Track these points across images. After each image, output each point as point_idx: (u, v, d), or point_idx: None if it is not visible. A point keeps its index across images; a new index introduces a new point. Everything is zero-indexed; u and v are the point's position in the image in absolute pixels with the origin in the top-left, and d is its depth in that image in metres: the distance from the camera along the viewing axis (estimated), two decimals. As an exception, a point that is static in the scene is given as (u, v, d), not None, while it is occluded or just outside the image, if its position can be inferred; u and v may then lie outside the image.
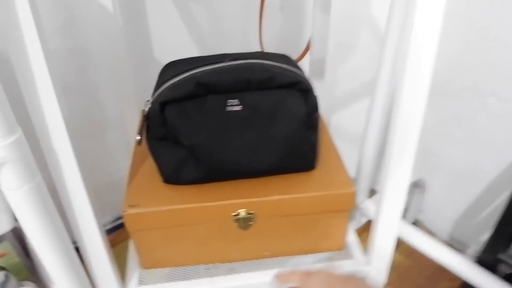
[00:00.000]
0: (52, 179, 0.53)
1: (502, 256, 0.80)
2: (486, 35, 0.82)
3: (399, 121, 0.55)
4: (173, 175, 0.62)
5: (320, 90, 0.61)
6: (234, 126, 0.58)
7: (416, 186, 1.06)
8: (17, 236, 0.83)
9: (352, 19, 1.02)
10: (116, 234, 1.16)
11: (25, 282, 0.85)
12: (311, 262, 0.69)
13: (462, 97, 0.91)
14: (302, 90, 0.58)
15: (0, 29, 0.43)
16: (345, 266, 0.69)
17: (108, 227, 1.18)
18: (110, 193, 0.88)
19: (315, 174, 0.64)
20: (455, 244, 1.07)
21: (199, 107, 0.57)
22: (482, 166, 0.94)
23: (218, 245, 0.66)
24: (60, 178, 0.53)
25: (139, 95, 0.83)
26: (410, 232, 0.89)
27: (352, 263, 0.70)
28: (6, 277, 0.80)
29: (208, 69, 0.58)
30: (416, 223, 1.13)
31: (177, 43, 0.98)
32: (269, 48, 0.86)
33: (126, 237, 0.63)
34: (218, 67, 0.58)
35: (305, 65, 0.78)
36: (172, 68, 0.62)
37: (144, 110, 0.59)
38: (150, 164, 0.65)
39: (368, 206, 0.92)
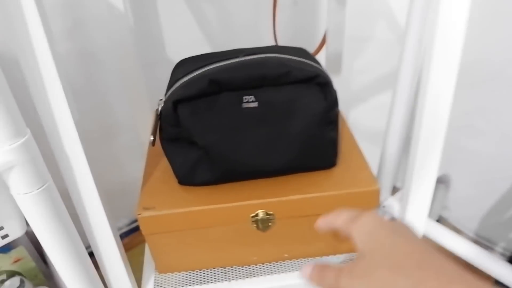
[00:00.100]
0: (65, 183, 0.52)
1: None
2: (512, 22, 0.79)
3: (425, 115, 0.52)
4: (187, 176, 0.60)
5: (336, 85, 0.58)
6: (249, 124, 0.56)
7: (440, 182, 1.02)
8: (33, 240, 0.82)
9: (368, 11, 0.99)
10: (132, 237, 1.16)
11: (41, 287, 0.84)
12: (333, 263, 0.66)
13: (487, 87, 0.87)
14: (321, 84, 0.56)
15: (8, 31, 0.42)
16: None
17: (124, 230, 1.18)
18: (125, 196, 0.87)
19: (336, 171, 0.62)
20: (482, 242, 1.03)
21: (213, 105, 0.55)
22: (509, 159, 0.90)
23: (236, 247, 0.64)
24: (73, 182, 0.51)
25: (150, 96, 0.82)
26: (435, 229, 0.85)
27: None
28: (22, 282, 0.79)
29: (221, 65, 0.56)
30: (440, 220, 1.10)
31: (188, 41, 0.96)
32: (282, 43, 0.84)
33: (142, 240, 0.62)
34: (232, 63, 0.56)
35: (320, 59, 0.75)
36: (184, 66, 0.61)
37: (157, 109, 0.57)
38: (164, 165, 0.63)
39: (392, 204, 0.89)
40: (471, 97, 0.91)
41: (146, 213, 0.57)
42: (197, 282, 0.64)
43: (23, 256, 0.82)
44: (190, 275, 0.65)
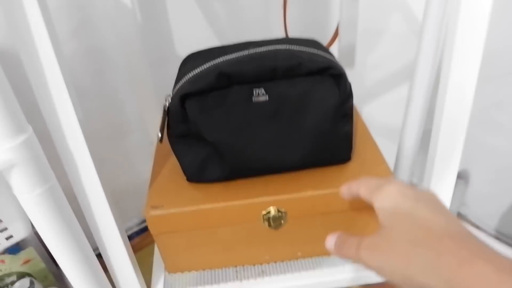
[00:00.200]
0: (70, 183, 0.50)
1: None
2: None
3: (446, 108, 0.50)
4: (197, 174, 0.59)
5: (349, 80, 0.55)
6: (260, 119, 0.54)
7: (459, 178, 0.98)
8: (42, 241, 0.81)
9: (383, 2, 0.96)
10: (142, 237, 1.15)
11: (51, 289, 0.83)
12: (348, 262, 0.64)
13: (507, 81, 0.84)
14: (335, 76, 0.53)
15: (10, 27, 0.40)
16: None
17: (135, 229, 1.17)
18: (135, 196, 0.85)
19: (351, 166, 0.59)
20: (502, 238, 0.99)
21: (222, 100, 0.53)
22: (530, 154, 0.87)
23: (247, 246, 0.62)
24: (78, 181, 0.50)
25: (159, 94, 0.81)
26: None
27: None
28: (31, 283, 0.78)
29: (230, 58, 0.54)
30: (458, 217, 1.06)
31: (197, 37, 0.95)
32: (293, 36, 0.81)
33: (152, 240, 0.60)
34: (241, 55, 0.54)
35: (333, 53, 0.73)
36: (192, 60, 0.59)
37: (164, 105, 0.55)
38: (173, 163, 0.62)
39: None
40: (490, 91, 0.87)
41: (154, 212, 0.56)
42: (207, 282, 0.63)
43: (32, 257, 0.81)
44: (200, 275, 0.64)
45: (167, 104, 0.55)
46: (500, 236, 1.00)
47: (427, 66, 0.61)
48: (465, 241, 0.32)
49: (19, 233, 0.56)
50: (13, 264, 0.80)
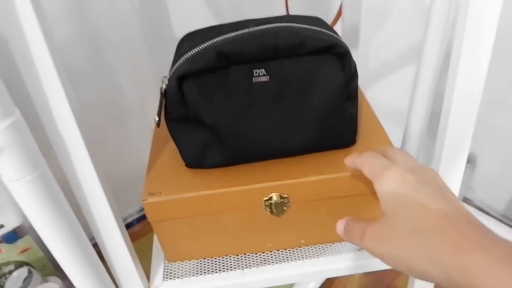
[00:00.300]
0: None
1: None
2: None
3: (456, 92, 0.47)
4: (196, 159, 0.56)
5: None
6: (261, 101, 0.52)
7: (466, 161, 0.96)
8: (40, 229, 0.79)
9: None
10: (143, 224, 1.13)
11: (50, 278, 0.82)
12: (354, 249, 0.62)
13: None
14: (339, 55, 0.51)
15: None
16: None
17: (136, 216, 1.16)
18: (136, 182, 0.84)
19: (356, 150, 0.57)
20: (508, 223, 0.97)
21: (221, 80, 0.51)
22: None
23: (249, 234, 0.60)
24: (71, 169, 0.47)
25: (159, 78, 0.79)
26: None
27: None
28: (30, 272, 0.77)
29: (230, 36, 0.51)
30: (464, 202, 1.04)
31: (196, 18, 0.92)
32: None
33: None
34: (241, 34, 0.51)
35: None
36: (190, 40, 0.56)
37: (161, 87, 0.53)
38: (171, 148, 0.59)
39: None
40: (500, 71, 0.84)
41: (152, 199, 0.54)
42: (208, 270, 0.61)
43: (30, 246, 0.80)
44: (200, 264, 0.62)
45: (164, 86, 0.53)
46: (506, 221, 0.98)
47: (436, 45, 0.59)
48: (464, 228, 0.32)
49: (11, 222, 0.54)
50: (10, 253, 0.78)
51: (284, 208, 0.56)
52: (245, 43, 0.50)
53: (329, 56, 0.51)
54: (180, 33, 0.91)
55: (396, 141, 0.76)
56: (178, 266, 0.62)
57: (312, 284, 0.92)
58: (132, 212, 1.15)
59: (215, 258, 0.62)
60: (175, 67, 0.52)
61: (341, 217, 0.59)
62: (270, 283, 0.60)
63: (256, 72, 0.50)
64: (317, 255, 0.61)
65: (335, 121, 0.54)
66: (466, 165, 0.96)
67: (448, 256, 0.30)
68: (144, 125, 0.98)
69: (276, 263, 0.61)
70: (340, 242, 0.63)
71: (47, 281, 0.79)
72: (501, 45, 0.81)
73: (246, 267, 0.61)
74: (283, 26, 0.51)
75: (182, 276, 0.61)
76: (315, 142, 0.55)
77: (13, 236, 0.77)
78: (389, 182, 0.38)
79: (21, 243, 0.78)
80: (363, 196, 0.56)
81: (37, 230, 0.44)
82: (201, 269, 0.61)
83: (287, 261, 0.61)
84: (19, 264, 0.80)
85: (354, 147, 0.57)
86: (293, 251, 0.62)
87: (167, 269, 0.62)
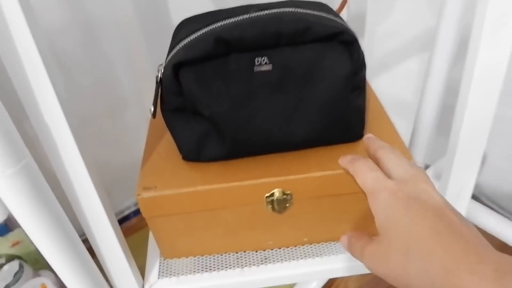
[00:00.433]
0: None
1: None
2: None
3: (473, 84, 0.44)
4: (193, 152, 0.53)
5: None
6: (263, 91, 0.49)
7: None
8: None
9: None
10: (140, 217, 1.11)
11: (43, 272, 0.79)
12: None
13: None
14: (346, 43, 0.48)
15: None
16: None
17: (133, 209, 1.13)
18: (133, 174, 0.81)
19: (363, 145, 0.54)
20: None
21: (220, 69, 0.48)
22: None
23: (249, 231, 0.57)
24: (59, 162, 0.45)
25: (156, 67, 0.76)
26: (471, 208, 0.78)
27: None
28: (21, 266, 0.74)
29: (229, 22, 0.48)
30: (472, 197, 1.02)
31: (195, 4, 0.88)
32: None
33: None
34: (241, 19, 0.48)
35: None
36: (187, 26, 0.53)
37: (157, 76, 0.50)
38: (168, 140, 0.57)
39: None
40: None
41: (146, 194, 0.51)
42: (206, 268, 0.58)
43: (22, 239, 0.77)
44: (198, 261, 0.59)
45: (160, 75, 0.50)
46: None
47: (450, 33, 0.55)
48: (453, 248, 0.32)
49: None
50: (1, 246, 0.76)
51: (287, 205, 0.53)
52: (246, 29, 0.46)
53: (336, 44, 0.48)
54: (178, 19, 0.88)
55: (401, 135, 0.73)
56: (175, 263, 0.60)
57: (314, 284, 0.90)
58: (129, 205, 1.13)
59: (214, 256, 0.60)
60: (171, 55, 0.49)
61: (346, 215, 0.56)
62: (271, 282, 0.58)
63: (258, 61, 0.47)
64: (320, 254, 0.59)
65: (341, 113, 0.51)
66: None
67: (439, 277, 0.32)
68: (141, 115, 0.95)
69: (277, 261, 0.59)
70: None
71: (39, 275, 0.76)
72: None
73: (246, 266, 0.58)
74: (286, 12, 0.48)
75: (178, 273, 0.58)
76: (320, 135, 0.52)
77: (3, 229, 0.74)
78: (381, 200, 0.39)
79: (12, 236, 0.76)
80: (369, 193, 0.53)
81: (21, 225, 0.41)
82: (198, 266, 0.59)
83: (288, 260, 0.59)
84: (10, 258, 0.77)
85: (360, 142, 0.54)
86: (295, 249, 0.60)
87: (163, 266, 0.60)
